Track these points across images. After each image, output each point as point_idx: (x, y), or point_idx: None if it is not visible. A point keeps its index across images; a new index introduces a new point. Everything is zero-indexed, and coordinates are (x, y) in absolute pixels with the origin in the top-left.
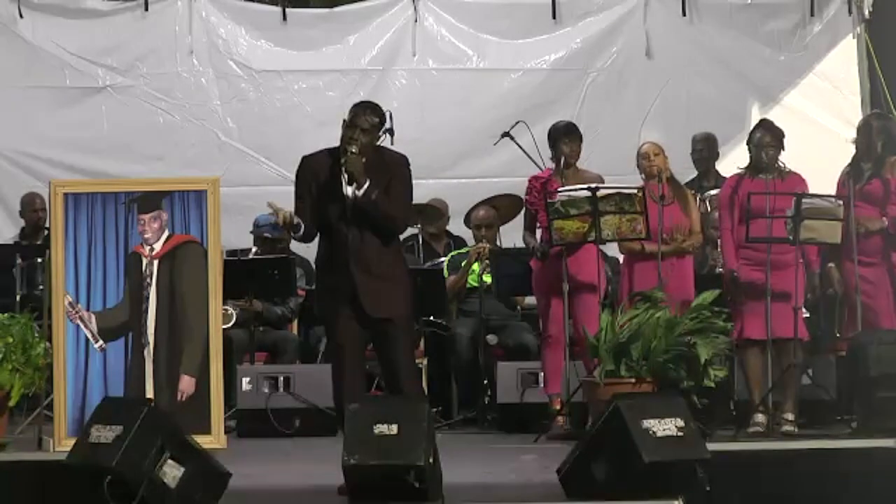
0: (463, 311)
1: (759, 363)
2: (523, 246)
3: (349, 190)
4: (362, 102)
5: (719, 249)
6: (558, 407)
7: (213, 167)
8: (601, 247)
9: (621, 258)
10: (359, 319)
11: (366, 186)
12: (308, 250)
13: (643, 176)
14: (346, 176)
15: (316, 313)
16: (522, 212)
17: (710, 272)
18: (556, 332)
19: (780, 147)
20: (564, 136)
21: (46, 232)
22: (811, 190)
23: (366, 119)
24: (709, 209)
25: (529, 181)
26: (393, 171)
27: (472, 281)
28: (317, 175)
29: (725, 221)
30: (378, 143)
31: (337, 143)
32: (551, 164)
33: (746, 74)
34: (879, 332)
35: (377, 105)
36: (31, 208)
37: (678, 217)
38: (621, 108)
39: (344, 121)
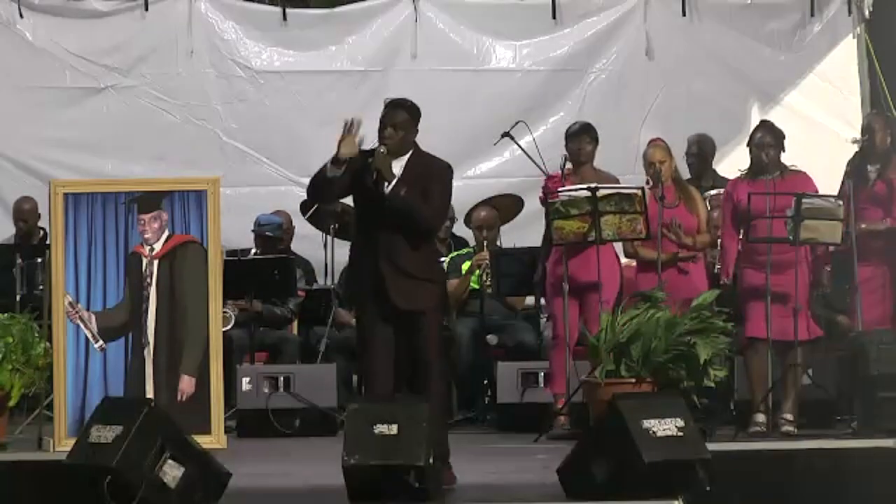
0: (463, 311)
1: (763, 363)
2: (523, 246)
3: (383, 186)
4: (390, 100)
5: (718, 249)
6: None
7: (214, 167)
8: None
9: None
10: (387, 315)
11: (393, 183)
12: (309, 251)
13: (649, 179)
14: (374, 173)
15: (346, 305)
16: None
17: (709, 271)
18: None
19: (781, 148)
20: (568, 137)
21: (42, 232)
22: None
23: (392, 116)
24: (709, 208)
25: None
26: (434, 176)
27: (472, 283)
28: (358, 171)
29: (727, 228)
30: (416, 136)
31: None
32: (555, 166)
33: (746, 74)
34: (879, 332)
35: (404, 100)
36: (19, 217)
37: (684, 218)
38: (621, 108)
39: None
